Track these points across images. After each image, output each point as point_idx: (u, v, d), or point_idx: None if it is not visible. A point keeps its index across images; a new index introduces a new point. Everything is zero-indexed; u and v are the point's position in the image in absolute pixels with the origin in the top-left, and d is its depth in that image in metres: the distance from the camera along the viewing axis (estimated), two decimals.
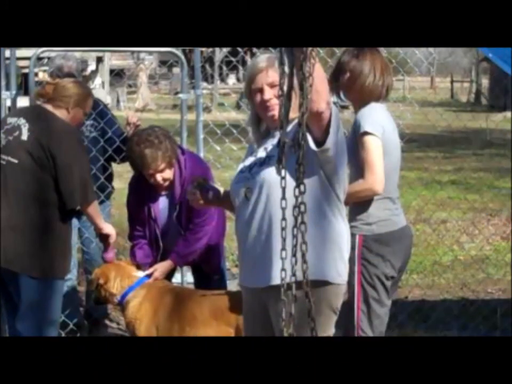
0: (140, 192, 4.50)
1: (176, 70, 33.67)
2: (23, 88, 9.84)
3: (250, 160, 3.21)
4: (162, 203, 4.50)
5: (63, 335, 5.02)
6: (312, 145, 2.91)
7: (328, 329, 3.15)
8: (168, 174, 4.37)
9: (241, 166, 3.25)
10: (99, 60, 25.41)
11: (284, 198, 2.20)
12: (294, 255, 2.17)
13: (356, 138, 3.78)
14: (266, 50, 3.59)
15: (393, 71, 4.31)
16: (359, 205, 3.80)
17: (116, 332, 5.71)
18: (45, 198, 4.01)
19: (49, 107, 4.15)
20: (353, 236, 3.49)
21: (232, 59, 6.93)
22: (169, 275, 4.62)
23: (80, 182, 4.04)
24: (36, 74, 9.03)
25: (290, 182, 2.19)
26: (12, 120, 4.14)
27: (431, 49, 11.38)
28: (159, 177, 4.34)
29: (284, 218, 2.20)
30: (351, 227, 3.43)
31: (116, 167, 5.59)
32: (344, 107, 7.03)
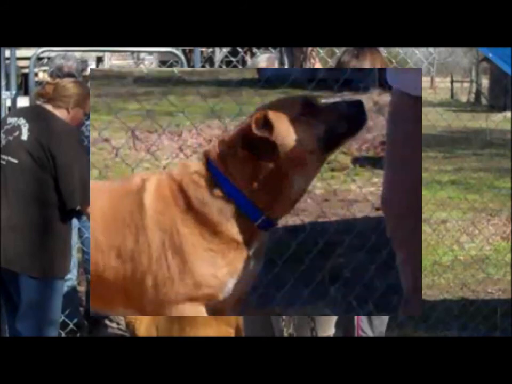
0: None
1: None
2: (23, 88, 9.83)
3: None
4: None
5: (63, 335, 5.01)
6: None
7: (328, 329, 3.14)
8: None
9: None
10: (99, 60, 25.35)
11: None
12: None
13: None
14: (266, 50, 3.59)
15: None
16: None
17: (116, 331, 5.70)
18: (45, 198, 4.00)
19: (49, 107, 4.14)
20: None
21: (232, 59, 6.91)
22: None
23: (80, 182, 4.04)
24: (36, 74, 9.01)
25: None
26: (11, 120, 4.14)
27: (431, 49, 11.37)
28: None
29: None
30: None
31: None
32: None
